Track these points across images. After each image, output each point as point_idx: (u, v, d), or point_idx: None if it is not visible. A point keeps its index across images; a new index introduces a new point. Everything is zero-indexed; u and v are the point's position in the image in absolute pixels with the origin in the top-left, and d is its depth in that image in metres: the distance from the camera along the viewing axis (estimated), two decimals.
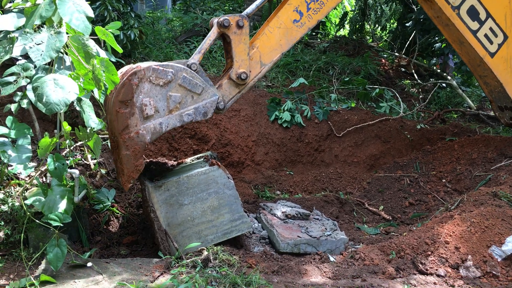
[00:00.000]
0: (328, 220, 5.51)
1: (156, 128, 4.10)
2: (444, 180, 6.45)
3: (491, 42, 5.91)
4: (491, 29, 5.87)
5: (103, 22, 6.57)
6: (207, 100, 4.32)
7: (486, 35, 5.86)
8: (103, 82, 3.38)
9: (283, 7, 4.70)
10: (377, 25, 14.64)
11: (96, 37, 3.68)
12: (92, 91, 3.84)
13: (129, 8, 7.06)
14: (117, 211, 5.14)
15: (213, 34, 4.38)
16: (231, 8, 12.61)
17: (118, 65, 6.70)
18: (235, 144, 7.19)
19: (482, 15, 5.82)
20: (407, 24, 11.89)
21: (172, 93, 4.13)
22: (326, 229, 5.17)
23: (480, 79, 6.47)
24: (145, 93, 4.00)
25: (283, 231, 4.95)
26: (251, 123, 7.44)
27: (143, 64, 4.06)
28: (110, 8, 6.52)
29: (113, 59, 5.37)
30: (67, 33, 3.24)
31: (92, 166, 5.40)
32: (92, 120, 3.72)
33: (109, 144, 5.30)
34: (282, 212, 5.42)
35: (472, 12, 5.75)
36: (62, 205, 3.88)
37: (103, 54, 3.81)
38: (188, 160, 4.97)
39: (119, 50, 3.86)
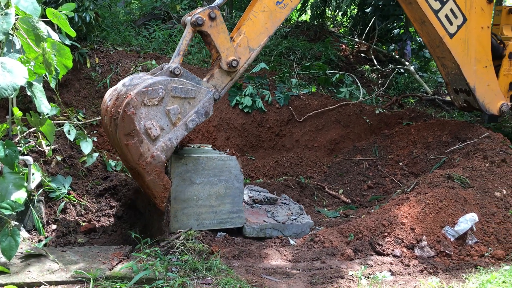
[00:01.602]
0: (295, 205, 5.57)
1: (167, 145, 4.11)
2: (401, 164, 6.61)
3: (451, 23, 6.05)
4: (451, 10, 6.00)
5: (57, 4, 6.32)
6: (204, 100, 4.30)
7: (446, 16, 5.99)
8: (54, 66, 3.26)
9: None
10: (338, 11, 14.74)
11: (48, 19, 3.54)
12: (45, 76, 3.70)
13: None
14: (74, 199, 5.02)
15: (188, 34, 4.35)
16: None
17: (73, 48, 6.52)
18: (195, 129, 7.12)
19: None
20: (366, 10, 12.03)
21: (169, 107, 4.10)
22: (292, 213, 5.23)
23: (438, 60, 6.63)
24: (145, 117, 3.98)
25: (249, 216, 4.99)
26: None
27: (133, 91, 3.95)
28: None
29: (68, 42, 5.21)
30: (16, 14, 3.10)
31: (47, 153, 5.24)
32: (44, 106, 3.59)
33: (64, 130, 5.15)
34: (250, 197, 5.43)
35: None
36: (15, 193, 3.74)
37: (55, 37, 3.66)
38: (191, 146, 5.03)
39: (72, 33, 3.73)
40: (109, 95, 4.37)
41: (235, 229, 4.79)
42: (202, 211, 4.56)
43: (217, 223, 4.65)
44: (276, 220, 4.99)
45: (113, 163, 6.12)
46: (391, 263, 4.07)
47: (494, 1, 6.40)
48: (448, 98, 9.43)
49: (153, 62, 7.09)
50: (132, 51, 7.59)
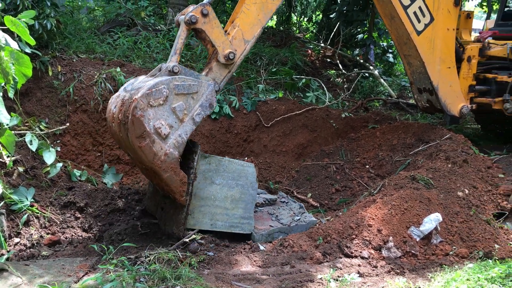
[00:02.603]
0: (295, 203, 5.75)
1: (178, 141, 4.27)
2: (367, 166, 6.72)
3: (418, 21, 6.27)
4: (420, 8, 6.23)
5: (16, 11, 6.14)
6: (206, 93, 4.45)
7: (415, 13, 6.21)
8: (13, 75, 3.17)
9: None
10: (303, 17, 14.92)
11: (6, 27, 3.44)
12: (4, 85, 3.60)
13: None
14: (37, 211, 4.88)
15: (183, 33, 4.47)
16: None
17: (34, 57, 6.36)
18: None
19: None
20: (331, 16, 12.22)
21: (175, 104, 4.25)
22: (294, 213, 5.38)
23: (404, 58, 6.80)
24: (153, 118, 4.12)
25: (255, 222, 5.06)
26: None
27: (138, 94, 4.06)
28: None
29: (28, 50, 5.08)
30: None
31: (8, 164, 5.08)
32: (3, 116, 3.48)
33: (26, 140, 5.01)
34: None
35: None
36: None
37: (14, 45, 3.56)
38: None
39: (31, 41, 3.63)
40: (113, 102, 4.48)
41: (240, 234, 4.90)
42: (217, 211, 4.72)
43: (229, 226, 4.80)
44: (282, 223, 5.15)
45: (77, 173, 6.00)
46: (359, 265, 4.12)
47: (461, 4, 6.61)
48: (411, 101, 9.67)
49: (118, 69, 6.98)
50: (96, 58, 7.45)
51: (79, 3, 11.52)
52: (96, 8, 11.07)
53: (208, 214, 4.67)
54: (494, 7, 16.09)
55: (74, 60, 7.06)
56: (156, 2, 11.52)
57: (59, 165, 5.42)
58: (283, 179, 7.04)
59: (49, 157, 5.09)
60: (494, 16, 11.30)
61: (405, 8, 6.13)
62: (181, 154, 4.31)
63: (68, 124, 6.40)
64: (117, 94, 4.54)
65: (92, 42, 7.96)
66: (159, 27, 9.26)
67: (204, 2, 4.54)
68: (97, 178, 6.36)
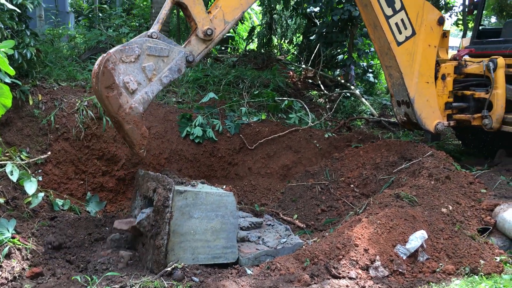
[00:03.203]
0: (281, 225, 5.72)
1: (144, 97, 4.64)
2: (352, 186, 6.74)
3: (400, 32, 6.47)
4: (402, 20, 6.45)
5: None
6: (176, 58, 4.84)
7: (397, 24, 6.42)
8: None
9: None
10: (283, 39, 15.11)
11: None
12: None
13: (24, 25, 6.64)
14: (19, 243, 4.77)
15: (167, 5, 4.90)
16: (137, 24, 12.37)
17: (14, 86, 6.31)
18: (146, 162, 7.01)
19: (397, 5, 6.40)
20: (311, 38, 12.39)
21: (145, 63, 4.64)
22: (280, 235, 5.34)
23: (386, 70, 6.94)
24: (123, 72, 4.49)
25: (240, 244, 5.03)
26: (162, 140, 7.29)
27: (111, 50, 4.50)
28: (2, 26, 6.10)
29: (7, 80, 5.04)
30: None
31: None
32: None
33: (6, 171, 4.93)
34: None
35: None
36: None
37: None
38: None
39: (11, 72, 3.62)
40: (97, 61, 4.78)
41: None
42: (198, 245, 4.63)
43: (212, 258, 4.72)
44: (268, 246, 5.09)
45: (60, 202, 5.91)
46: (347, 286, 4.09)
47: (444, 24, 6.79)
48: (393, 119, 9.78)
49: None
50: (77, 86, 7.42)
51: (60, 31, 11.52)
52: (77, 35, 11.08)
53: (189, 249, 4.58)
54: (470, 25, 16.52)
55: (55, 89, 7.03)
56: (137, 28, 11.58)
57: (41, 195, 5.33)
58: (269, 201, 7.02)
59: (31, 187, 5.00)
60: (470, 34, 11.59)
61: (387, 17, 6.36)
62: (145, 110, 4.69)
63: (49, 153, 6.32)
64: (102, 55, 4.84)
65: (73, 70, 7.94)
66: None
67: None
68: (80, 206, 6.28)
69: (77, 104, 6.78)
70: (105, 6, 12.74)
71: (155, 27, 4.81)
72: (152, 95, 4.70)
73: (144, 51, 4.62)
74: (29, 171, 5.51)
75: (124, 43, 4.60)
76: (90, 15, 11.50)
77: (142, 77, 4.62)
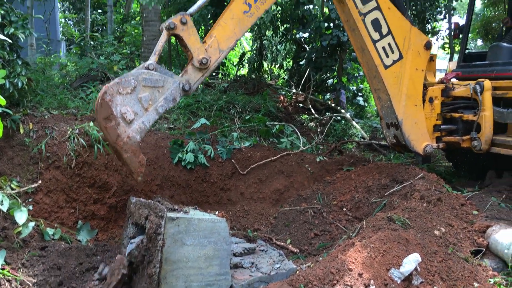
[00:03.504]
0: (274, 250, 5.67)
1: (141, 127, 4.82)
2: (345, 209, 6.74)
3: (387, 56, 6.59)
4: (389, 44, 6.57)
5: None
6: (171, 88, 5.03)
7: (384, 48, 6.54)
8: None
9: (234, 1, 5.41)
10: (274, 64, 15.30)
11: None
12: None
13: (15, 55, 6.67)
14: (9, 274, 4.70)
15: (163, 37, 5.08)
16: (128, 51, 12.49)
17: (5, 115, 6.30)
18: (138, 189, 6.97)
19: (384, 30, 6.52)
20: (301, 63, 12.57)
21: (141, 94, 4.83)
22: (274, 261, 5.30)
23: (375, 93, 7.03)
24: (120, 104, 4.68)
25: (233, 270, 4.98)
26: (154, 166, 7.28)
27: (109, 83, 4.68)
28: None
29: None
30: None
31: None
32: None
33: None
34: None
35: (376, 24, 6.46)
36: None
37: None
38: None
39: (2, 101, 3.62)
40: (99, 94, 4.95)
41: None
42: (191, 273, 4.56)
43: (205, 285, 4.64)
44: (262, 272, 5.05)
45: (51, 231, 5.84)
46: None
47: (431, 48, 6.92)
48: (384, 142, 9.86)
49: (91, 124, 6.95)
50: (69, 114, 7.43)
51: (51, 59, 11.59)
52: (68, 63, 11.15)
53: (181, 277, 4.51)
54: (456, 48, 16.85)
55: (46, 117, 7.02)
56: (129, 56, 11.67)
57: (31, 224, 5.28)
58: (262, 226, 6.99)
59: (21, 216, 4.96)
60: (456, 57, 11.80)
61: (374, 42, 6.48)
62: (142, 139, 4.87)
63: (40, 181, 6.27)
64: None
65: (65, 98, 7.96)
66: None
67: (186, 12, 5.11)
68: (71, 235, 6.20)
69: (68, 132, 6.77)
70: (96, 34, 12.89)
71: (152, 59, 4.97)
72: (148, 124, 4.88)
73: (140, 83, 4.81)
74: (20, 201, 5.46)
75: (121, 76, 4.78)
76: (81, 43, 11.60)
77: (139, 107, 4.80)
